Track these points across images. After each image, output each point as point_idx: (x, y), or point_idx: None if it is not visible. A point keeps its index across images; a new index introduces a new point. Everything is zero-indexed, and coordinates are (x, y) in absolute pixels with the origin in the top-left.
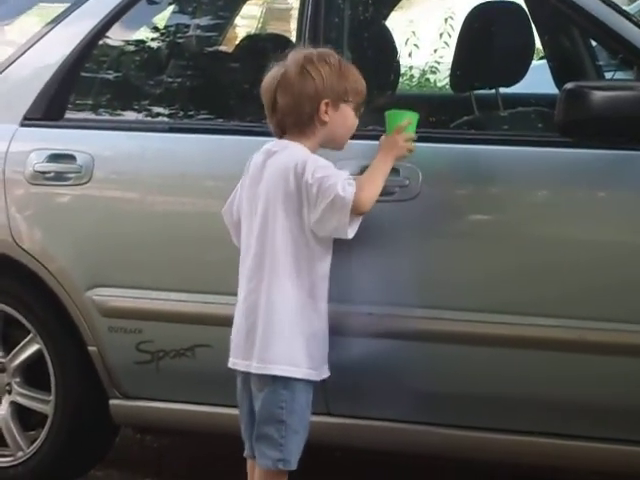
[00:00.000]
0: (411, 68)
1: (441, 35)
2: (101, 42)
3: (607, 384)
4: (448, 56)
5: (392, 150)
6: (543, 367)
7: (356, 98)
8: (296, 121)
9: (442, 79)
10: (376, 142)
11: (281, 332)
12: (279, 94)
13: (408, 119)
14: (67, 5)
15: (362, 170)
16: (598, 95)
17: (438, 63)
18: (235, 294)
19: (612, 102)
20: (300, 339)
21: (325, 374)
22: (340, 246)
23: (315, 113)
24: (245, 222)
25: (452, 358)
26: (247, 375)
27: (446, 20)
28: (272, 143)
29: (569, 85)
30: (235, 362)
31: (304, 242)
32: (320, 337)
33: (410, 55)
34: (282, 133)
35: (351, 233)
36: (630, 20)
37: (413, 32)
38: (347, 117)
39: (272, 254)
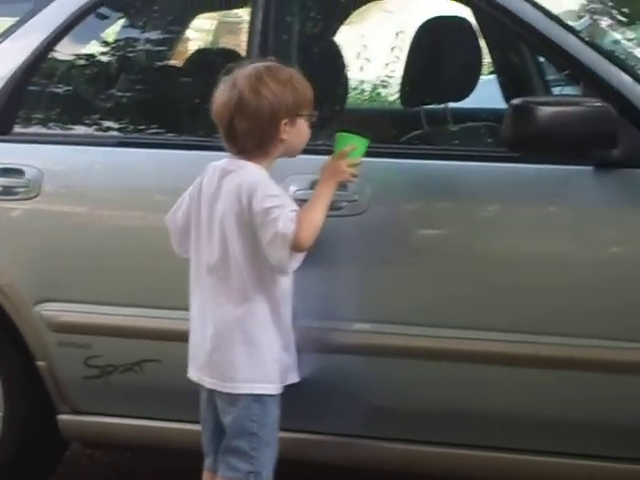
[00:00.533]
0: (362, 82)
1: (392, 49)
2: (50, 56)
3: (561, 398)
4: (399, 70)
5: (334, 176)
6: (491, 381)
7: (308, 108)
8: (256, 144)
9: (393, 93)
10: (324, 157)
11: (252, 351)
12: (237, 119)
13: (352, 145)
14: (16, 19)
15: (312, 185)
16: (544, 110)
17: (389, 77)
18: (183, 309)
19: (558, 117)
20: (271, 356)
21: (295, 379)
22: None
23: (275, 135)
24: (201, 239)
25: (396, 372)
26: (212, 390)
27: (397, 34)
28: (228, 161)
29: (516, 101)
30: (201, 378)
31: (263, 262)
32: (289, 351)
33: (362, 69)
34: (237, 153)
35: (291, 268)
36: (576, 36)
37: (365, 46)
38: (302, 130)
39: (237, 275)
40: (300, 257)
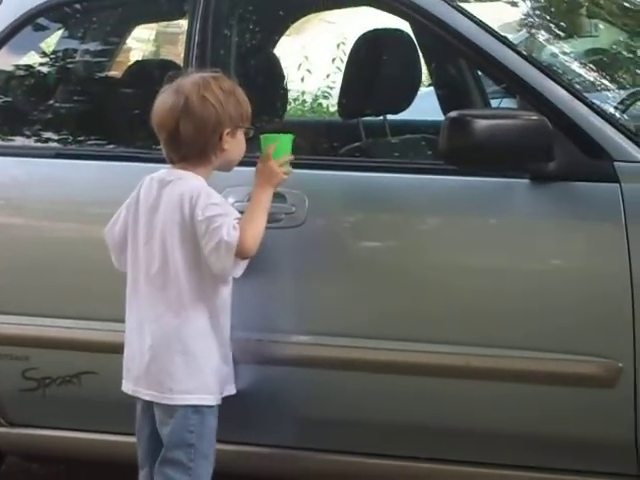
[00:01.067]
0: (303, 93)
1: (333, 60)
2: None
3: (493, 409)
4: (340, 82)
5: (269, 179)
6: (426, 392)
7: (247, 122)
8: (198, 151)
9: (334, 104)
10: None
11: (190, 361)
12: (182, 124)
13: (273, 145)
14: None
15: (249, 197)
16: (481, 123)
17: (330, 88)
18: (120, 320)
19: (495, 130)
20: (209, 367)
21: (232, 391)
22: None
23: (217, 144)
24: (139, 249)
25: (331, 384)
26: (149, 402)
27: (338, 45)
28: (165, 171)
29: (452, 113)
30: (136, 390)
31: (205, 271)
32: (227, 362)
33: (302, 80)
34: (177, 161)
35: (237, 274)
36: (513, 49)
37: (306, 57)
38: (240, 142)
39: (176, 284)
40: (244, 264)
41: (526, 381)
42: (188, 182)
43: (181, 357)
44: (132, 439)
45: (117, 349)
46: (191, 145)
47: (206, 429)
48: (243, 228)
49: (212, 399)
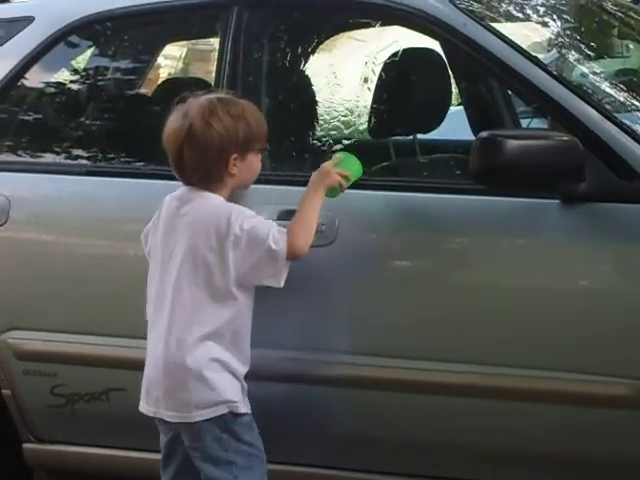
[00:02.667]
0: (333, 112)
1: (364, 80)
2: (19, 83)
3: (527, 430)
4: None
5: (323, 179)
6: (453, 413)
7: (260, 143)
8: (203, 177)
9: (363, 123)
10: (294, 188)
11: (213, 382)
12: (186, 149)
13: (341, 155)
14: None
15: (279, 215)
16: (512, 144)
17: (358, 107)
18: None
19: (526, 151)
20: (224, 382)
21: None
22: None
23: (224, 169)
24: (157, 269)
25: (364, 403)
26: (174, 427)
27: (367, 64)
28: (185, 189)
29: (483, 134)
30: (157, 412)
31: (225, 292)
32: (240, 378)
33: (331, 98)
34: (187, 184)
35: (282, 282)
36: (544, 69)
37: (335, 75)
38: (253, 164)
39: (194, 302)
40: (286, 271)
41: (556, 402)
42: (212, 202)
43: (198, 376)
44: (160, 456)
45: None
46: (194, 171)
47: (241, 444)
48: (292, 228)
49: (243, 407)
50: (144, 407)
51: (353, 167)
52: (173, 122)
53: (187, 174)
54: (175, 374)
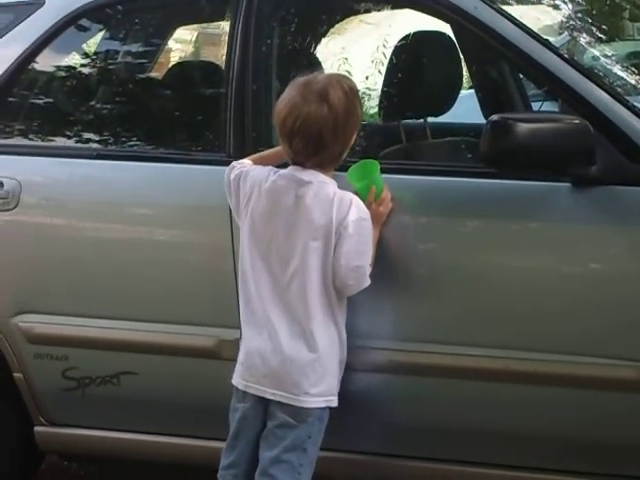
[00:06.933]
0: None
1: (375, 63)
2: (30, 67)
3: (533, 413)
4: (380, 84)
5: (377, 224)
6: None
7: None
8: (334, 159)
9: (374, 106)
10: None
11: (322, 365)
12: (326, 134)
13: (372, 192)
14: None
15: None
16: (523, 127)
17: (371, 90)
18: (161, 321)
19: (537, 134)
20: (333, 370)
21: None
22: None
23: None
24: (270, 250)
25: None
26: (264, 402)
27: (378, 48)
28: (294, 169)
29: (494, 117)
30: (260, 389)
31: (331, 275)
32: (342, 369)
33: None
34: (308, 165)
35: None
36: (555, 53)
37: (346, 59)
38: None
39: (310, 286)
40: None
41: (565, 385)
42: (330, 186)
43: (314, 360)
44: (171, 439)
45: (157, 349)
46: (330, 153)
47: (319, 436)
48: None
49: (336, 400)
50: (236, 380)
51: (375, 176)
52: (310, 105)
53: (318, 156)
54: (291, 356)
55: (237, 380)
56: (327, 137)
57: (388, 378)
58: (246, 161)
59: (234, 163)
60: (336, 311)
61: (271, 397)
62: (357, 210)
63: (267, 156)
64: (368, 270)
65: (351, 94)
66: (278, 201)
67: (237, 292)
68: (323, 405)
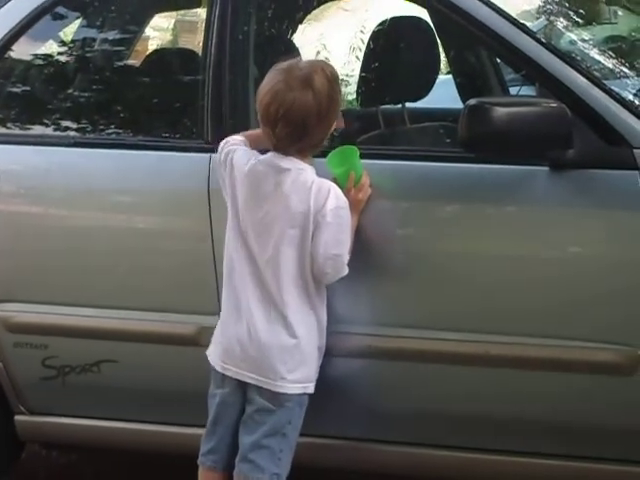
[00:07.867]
0: None
1: (352, 49)
2: (6, 56)
3: (514, 397)
4: (358, 70)
5: (355, 210)
6: (452, 381)
7: None
8: (315, 145)
9: (352, 92)
10: None
11: (300, 351)
12: (310, 121)
13: (352, 179)
14: None
15: None
16: (500, 111)
17: (348, 76)
18: (140, 309)
19: (514, 118)
20: (312, 356)
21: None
22: None
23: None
24: (247, 236)
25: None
26: (242, 386)
27: (356, 34)
28: (274, 155)
29: (472, 101)
30: (238, 372)
31: (309, 262)
32: (321, 354)
33: None
34: (294, 152)
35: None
36: (532, 37)
37: (324, 45)
38: None
39: (286, 272)
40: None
41: (545, 369)
42: (308, 173)
43: (293, 346)
44: (150, 427)
45: (137, 337)
46: (312, 138)
47: (299, 421)
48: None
49: (312, 387)
50: (213, 360)
51: (355, 162)
52: (295, 93)
53: (300, 143)
54: (269, 341)
55: (215, 360)
56: (311, 124)
57: (368, 363)
58: (238, 138)
59: (227, 139)
60: (314, 298)
61: (249, 380)
62: (335, 198)
63: (257, 134)
64: (346, 258)
65: (333, 80)
66: (259, 187)
67: (216, 278)
68: (300, 392)
